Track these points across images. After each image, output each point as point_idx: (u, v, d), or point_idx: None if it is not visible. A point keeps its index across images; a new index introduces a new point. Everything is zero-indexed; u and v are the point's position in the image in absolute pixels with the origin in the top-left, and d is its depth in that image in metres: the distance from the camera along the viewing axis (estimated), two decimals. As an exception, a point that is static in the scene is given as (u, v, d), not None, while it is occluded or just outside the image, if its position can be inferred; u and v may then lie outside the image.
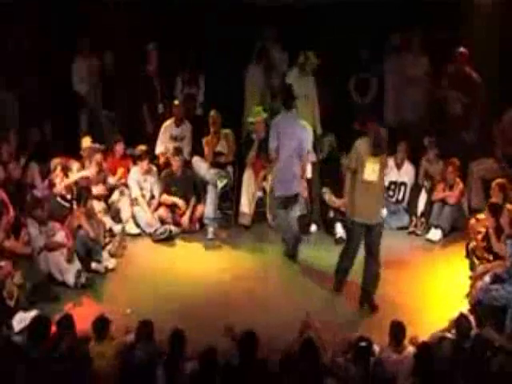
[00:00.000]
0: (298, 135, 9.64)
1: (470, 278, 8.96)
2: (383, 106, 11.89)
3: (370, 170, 8.53)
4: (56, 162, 10.40)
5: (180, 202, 10.64)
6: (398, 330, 7.19)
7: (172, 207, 10.67)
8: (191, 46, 11.78)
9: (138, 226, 10.51)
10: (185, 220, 10.59)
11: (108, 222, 10.24)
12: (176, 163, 10.68)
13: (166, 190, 10.72)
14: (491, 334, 7.54)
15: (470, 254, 9.31)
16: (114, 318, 7.69)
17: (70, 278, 9.06)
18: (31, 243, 8.96)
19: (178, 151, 10.79)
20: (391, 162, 10.90)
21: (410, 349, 7.12)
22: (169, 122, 11.24)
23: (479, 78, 10.98)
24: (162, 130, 11.21)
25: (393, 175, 10.92)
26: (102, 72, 11.87)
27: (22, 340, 7.32)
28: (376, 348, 7.20)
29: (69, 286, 9.05)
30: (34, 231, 9.08)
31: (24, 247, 8.88)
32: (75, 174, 10.03)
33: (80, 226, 9.49)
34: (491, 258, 8.86)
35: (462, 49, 11.02)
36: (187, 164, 10.95)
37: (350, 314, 8.66)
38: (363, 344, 6.95)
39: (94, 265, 9.45)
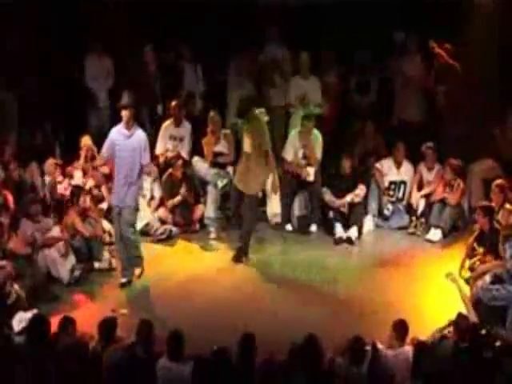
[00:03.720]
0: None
1: (470, 278, 8.96)
2: (388, 105, 11.91)
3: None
4: (50, 163, 10.43)
5: (187, 197, 10.66)
6: (401, 327, 7.19)
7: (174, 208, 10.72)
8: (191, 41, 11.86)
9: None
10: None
11: (107, 225, 10.22)
12: (177, 169, 10.69)
13: (170, 194, 10.73)
14: (500, 331, 7.58)
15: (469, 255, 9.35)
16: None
17: (65, 274, 9.08)
18: (29, 242, 8.98)
19: (177, 157, 10.80)
20: (389, 162, 10.93)
21: (407, 347, 7.12)
22: (168, 122, 11.23)
23: (459, 67, 11.03)
24: (162, 130, 11.21)
25: (392, 175, 10.94)
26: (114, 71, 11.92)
27: (23, 340, 7.32)
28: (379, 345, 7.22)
29: (66, 284, 9.07)
30: (28, 230, 9.10)
31: (24, 247, 8.88)
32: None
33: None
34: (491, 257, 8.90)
35: (446, 44, 11.11)
36: (187, 164, 10.96)
37: (350, 313, 8.65)
38: (366, 348, 6.95)
39: (96, 264, 9.48)
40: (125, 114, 9.11)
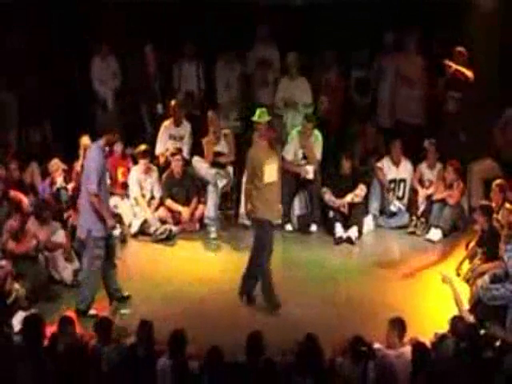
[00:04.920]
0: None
1: (470, 278, 8.97)
2: (376, 106, 11.93)
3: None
4: (55, 162, 10.42)
5: (184, 210, 10.66)
6: (399, 326, 7.19)
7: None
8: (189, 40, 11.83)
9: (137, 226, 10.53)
10: (185, 217, 10.60)
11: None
12: (176, 164, 10.69)
13: (169, 193, 10.73)
14: (497, 331, 7.58)
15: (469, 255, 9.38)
16: (113, 317, 7.79)
17: (68, 276, 9.07)
18: (31, 243, 8.98)
19: (177, 152, 10.81)
20: (388, 161, 10.94)
21: (407, 347, 7.12)
22: (168, 122, 11.24)
23: (472, 75, 10.99)
24: (161, 130, 11.21)
25: (391, 173, 10.94)
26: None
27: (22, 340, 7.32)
28: (377, 345, 7.21)
29: (67, 285, 9.05)
30: (33, 231, 9.10)
31: (25, 245, 8.89)
32: None
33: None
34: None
35: (460, 48, 11.05)
36: (187, 163, 10.96)
37: (350, 313, 8.65)
38: (363, 349, 6.94)
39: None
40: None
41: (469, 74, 10.93)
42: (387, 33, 11.69)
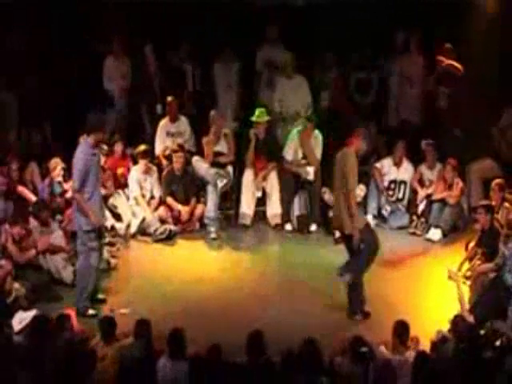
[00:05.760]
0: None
1: (470, 277, 8.98)
2: (384, 106, 11.92)
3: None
4: (55, 161, 10.42)
5: (183, 209, 10.66)
6: (402, 330, 7.18)
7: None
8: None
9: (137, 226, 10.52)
10: (184, 216, 10.60)
11: (110, 220, 10.25)
12: (177, 161, 10.68)
13: (169, 189, 10.73)
14: (500, 327, 7.60)
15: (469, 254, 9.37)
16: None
17: (68, 276, 9.06)
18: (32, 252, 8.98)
19: (179, 149, 10.81)
20: (390, 161, 10.94)
21: (411, 352, 7.11)
22: (164, 121, 11.24)
23: (462, 71, 11.01)
24: (159, 128, 11.20)
25: (392, 174, 10.95)
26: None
27: (23, 340, 7.32)
28: (382, 348, 7.21)
29: (67, 285, 9.04)
30: (34, 231, 9.10)
31: (26, 254, 8.88)
32: None
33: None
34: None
35: (448, 45, 11.10)
36: (189, 162, 10.94)
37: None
38: (363, 350, 6.92)
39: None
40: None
41: (459, 66, 11.00)
42: (398, 34, 11.70)
